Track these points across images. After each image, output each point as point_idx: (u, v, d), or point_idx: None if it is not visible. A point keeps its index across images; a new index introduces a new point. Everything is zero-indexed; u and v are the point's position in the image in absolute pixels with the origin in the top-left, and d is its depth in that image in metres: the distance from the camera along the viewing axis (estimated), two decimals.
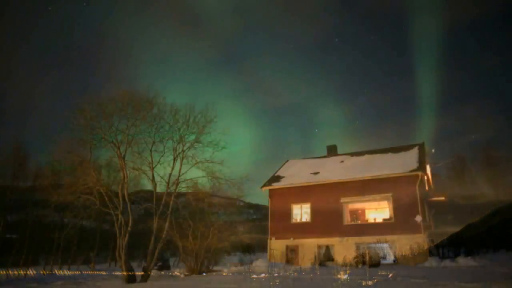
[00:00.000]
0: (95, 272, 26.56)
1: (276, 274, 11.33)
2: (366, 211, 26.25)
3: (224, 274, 15.80)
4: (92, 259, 36.24)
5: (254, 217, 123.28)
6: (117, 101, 15.59)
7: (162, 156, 16.22)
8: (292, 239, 24.30)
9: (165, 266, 28.99)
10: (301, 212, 25.14)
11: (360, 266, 18.77)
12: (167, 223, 15.76)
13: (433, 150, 29.37)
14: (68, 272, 26.86)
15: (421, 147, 25.66)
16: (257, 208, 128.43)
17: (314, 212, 24.35)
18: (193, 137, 16.37)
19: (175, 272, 20.12)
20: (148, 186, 18.00)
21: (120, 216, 15.04)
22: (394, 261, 21.13)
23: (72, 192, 15.30)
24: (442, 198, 24.63)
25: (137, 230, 36.71)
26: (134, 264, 30.35)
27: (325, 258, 21.68)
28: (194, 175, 16.67)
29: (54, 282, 17.77)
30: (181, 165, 16.26)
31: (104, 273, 25.44)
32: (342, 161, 27.49)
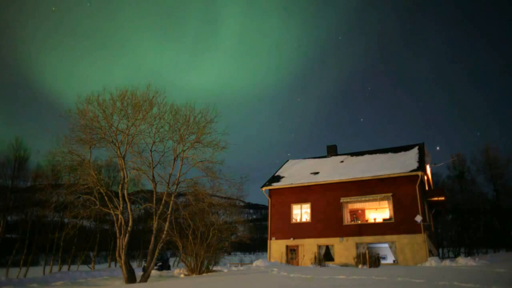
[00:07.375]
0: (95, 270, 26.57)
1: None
2: (366, 211, 26.29)
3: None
4: (92, 259, 36.25)
5: (254, 217, 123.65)
6: (117, 101, 15.59)
7: (162, 156, 16.23)
8: (292, 239, 24.32)
9: (165, 266, 29.05)
10: (301, 212, 25.18)
11: (360, 266, 18.79)
12: (167, 223, 15.76)
13: (437, 148, 29.44)
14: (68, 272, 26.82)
15: (421, 147, 25.70)
16: (257, 208, 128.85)
17: (314, 212, 24.39)
18: (193, 137, 16.38)
19: (175, 272, 20.10)
20: (148, 186, 18.00)
21: (120, 216, 15.05)
22: (394, 261, 21.15)
23: (72, 192, 15.31)
24: (442, 198, 24.65)
25: (137, 230, 36.89)
26: (134, 264, 30.44)
27: (325, 258, 21.70)
28: (194, 175, 16.66)
29: (54, 282, 17.77)
30: (181, 165, 16.28)
31: (104, 273, 25.42)
32: (342, 161, 27.53)
